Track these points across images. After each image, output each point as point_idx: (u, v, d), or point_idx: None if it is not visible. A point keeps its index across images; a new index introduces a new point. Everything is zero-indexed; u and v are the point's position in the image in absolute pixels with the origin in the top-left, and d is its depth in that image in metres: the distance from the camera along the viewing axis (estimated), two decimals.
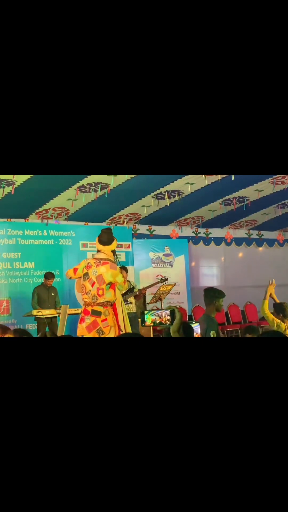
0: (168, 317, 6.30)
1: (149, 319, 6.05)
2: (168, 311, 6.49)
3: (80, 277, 5.09)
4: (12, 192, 7.07)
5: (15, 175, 6.60)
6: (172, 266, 10.16)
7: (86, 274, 4.96)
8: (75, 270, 5.08)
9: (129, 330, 5.22)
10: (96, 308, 4.94)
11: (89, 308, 4.91)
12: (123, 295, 7.77)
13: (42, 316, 7.57)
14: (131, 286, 7.99)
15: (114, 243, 5.29)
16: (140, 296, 8.26)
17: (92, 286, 4.91)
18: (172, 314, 5.27)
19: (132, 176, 7.10)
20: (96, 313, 4.92)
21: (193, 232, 10.51)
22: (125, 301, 7.75)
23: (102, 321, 4.92)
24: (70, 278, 5.23)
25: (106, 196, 7.70)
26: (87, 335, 4.84)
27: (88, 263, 5.04)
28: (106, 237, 5.19)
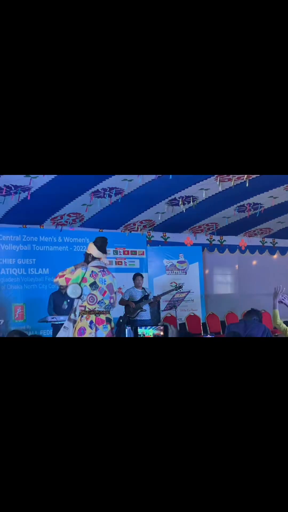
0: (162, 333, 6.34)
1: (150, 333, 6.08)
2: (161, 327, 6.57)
3: (66, 278, 4.92)
4: (28, 198, 7.11)
5: (31, 180, 6.64)
6: (186, 274, 10.14)
7: (94, 283, 4.83)
8: (68, 280, 4.87)
9: None
10: (109, 315, 4.92)
11: (103, 317, 4.85)
12: (137, 302, 7.78)
13: (57, 322, 7.57)
14: (146, 293, 7.97)
15: (107, 254, 5.21)
16: (155, 303, 8.23)
17: (104, 295, 4.86)
18: (166, 329, 5.30)
19: (147, 181, 7.11)
20: (109, 320, 4.91)
21: (207, 239, 10.49)
22: (140, 308, 7.74)
23: (112, 328, 4.94)
24: (60, 285, 5.06)
25: (119, 201, 7.71)
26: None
27: (92, 271, 4.88)
28: (101, 244, 5.06)
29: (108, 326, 4.81)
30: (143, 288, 7.99)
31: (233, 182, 7.49)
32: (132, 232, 9.47)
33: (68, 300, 8.06)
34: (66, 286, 4.90)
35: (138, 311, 7.77)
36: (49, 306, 7.94)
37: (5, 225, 8.31)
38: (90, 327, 4.74)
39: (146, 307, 7.87)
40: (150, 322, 7.94)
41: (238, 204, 8.89)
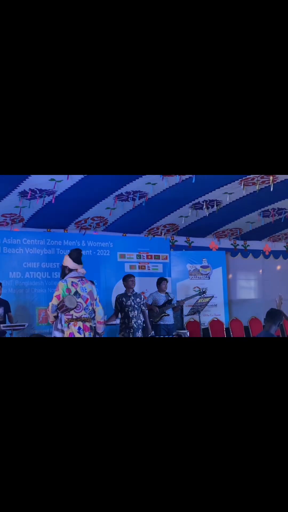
0: None
1: None
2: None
3: (58, 296, 5.14)
4: (53, 201, 7.15)
5: (56, 184, 6.68)
6: (209, 278, 10.08)
7: (77, 292, 5.09)
8: (58, 296, 5.12)
9: None
10: (92, 323, 5.20)
11: (88, 324, 5.11)
12: (160, 306, 7.76)
13: None
14: (169, 298, 7.94)
15: (82, 264, 5.42)
16: (178, 308, 8.20)
17: (86, 302, 5.10)
18: None
19: (171, 184, 7.09)
20: (92, 328, 5.18)
21: (231, 244, 10.43)
22: (163, 312, 7.71)
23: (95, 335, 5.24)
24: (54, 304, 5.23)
25: (143, 205, 7.71)
26: None
27: (72, 282, 5.14)
28: (77, 256, 5.34)
29: (92, 334, 5.10)
30: (166, 292, 7.96)
31: (257, 186, 7.43)
32: (156, 236, 9.46)
33: None
34: (59, 303, 5.14)
35: (162, 315, 7.74)
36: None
37: (30, 229, 8.36)
38: (79, 332, 5.02)
39: (169, 311, 7.83)
40: (173, 327, 7.91)
41: (263, 209, 8.82)
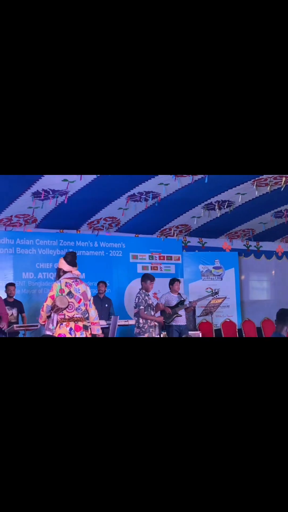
0: None
1: None
2: None
3: (52, 296, 5.21)
4: (65, 201, 7.17)
5: (69, 184, 6.70)
6: (221, 279, 10.06)
7: (70, 292, 5.16)
8: (52, 296, 5.18)
9: None
10: (86, 323, 5.23)
11: (81, 324, 5.15)
12: (172, 307, 7.74)
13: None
14: (182, 299, 7.92)
15: (77, 267, 5.47)
16: (191, 308, 8.17)
17: (79, 302, 5.16)
18: None
19: (184, 184, 7.09)
20: (86, 328, 5.21)
21: (244, 245, 10.40)
22: (175, 313, 7.69)
23: (90, 334, 5.25)
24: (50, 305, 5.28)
25: (156, 205, 7.71)
26: None
27: (66, 282, 5.21)
28: (71, 259, 5.39)
29: (85, 333, 5.11)
30: (179, 293, 7.94)
31: (269, 187, 7.41)
32: (168, 237, 9.46)
33: (106, 305, 8.10)
34: (53, 303, 5.20)
35: (174, 316, 7.72)
36: None
37: (43, 229, 8.40)
38: (70, 333, 5.06)
39: (182, 312, 7.81)
40: (185, 328, 7.89)
41: (275, 210, 8.78)
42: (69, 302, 5.14)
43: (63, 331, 5.08)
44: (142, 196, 7.46)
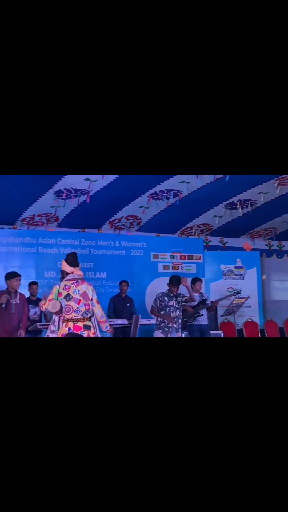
0: None
1: None
2: None
3: (50, 299, 5.29)
4: (87, 200, 7.20)
5: (91, 183, 6.73)
6: (243, 279, 9.99)
7: (68, 295, 5.19)
8: (50, 300, 5.27)
9: None
10: (87, 323, 5.21)
11: (81, 324, 5.17)
12: (194, 306, 7.71)
13: (115, 326, 7.61)
14: (204, 298, 7.88)
15: (79, 267, 5.51)
16: (212, 308, 8.14)
17: (79, 303, 5.18)
18: None
19: (206, 183, 7.07)
20: (88, 327, 5.20)
21: (266, 244, 10.32)
22: (197, 313, 7.66)
23: (93, 334, 5.24)
24: (48, 309, 5.36)
25: (177, 203, 7.69)
26: None
27: (65, 285, 5.25)
28: (73, 259, 5.40)
29: (85, 332, 5.14)
30: (200, 293, 7.92)
31: None
32: (189, 236, 9.44)
33: (128, 304, 8.11)
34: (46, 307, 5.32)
35: (196, 315, 7.69)
36: (108, 309, 8.02)
37: (64, 229, 8.45)
38: (69, 333, 5.13)
39: (203, 312, 7.78)
40: (207, 327, 7.85)
41: None
42: (65, 305, 5.19)
43: (64, 331, 5.19)
44: (163, 194, 7.45)
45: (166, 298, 6.87)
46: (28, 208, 7.56)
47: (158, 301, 6.91)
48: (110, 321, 7.64)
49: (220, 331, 8.69)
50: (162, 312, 6.86)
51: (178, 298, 6.89)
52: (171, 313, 6.78)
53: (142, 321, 7.32)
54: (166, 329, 6.74)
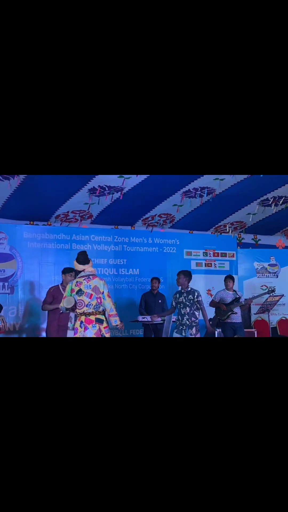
0: None
1: None
2: None
3: (65, 297, 5.48)
4: (121, 197, 7.23)
5: (124, 181, 6.75)
6: (277, 277, 9.89)
7: (80, 290, 5.36)
8: (65, 297, 5.49)
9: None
10: (99, 316, 5.33)
11: (93, 317, 5.31)
12: (227, 304, 7.68)
13: (147, 323, 7.64)
14: (237, 296, 7.83)
15: (91, 263, 5.64)
16: (246, 306, 8.08)
17: (91, 298, 5.34)
18: None
19: (239, 180, 7.02)
20: (100, 321, 5.33)
21: None
22: (230, 310, 7.62)
23: (105, 327, 5.35)
24: (65, 307, 5.49)
25: (211, 201, 7.66)
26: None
27: (77, 281, 5.44)
28: (83, 258, 5.58)
29: (97, 325, 5.28)
30: (234, 290, 7.87)
31: None
32: (223, 234, 9.39)
33: (160, 301, 8.12)
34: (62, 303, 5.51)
35: (229, 313, 7.65)
36: (140, 306, 8.05)
37: (98, 225, 8.51)
38: (81, 326, 5.30)
39: (237, 309, 7.73)
40: (241, 325, 7.80)
41: None
42: (78, 300, 5.35)
43: (76, 324, 5.37)
44: (197, 192, 7.43)
45: (177, 294, 6.78)
46: (62, 205, 7.64)
47: (173, 299, 6.82)
48: (143, 318, 7.69)
49: (254, 329, 8.63)
50: (176, 310, 6.80)
51: (190, 296, 6.72)
52: (181, 309, 6.64)
53: (174, 318, 7.31)
54: (181, 328, 6.64)
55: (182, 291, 6.67)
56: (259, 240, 9.88)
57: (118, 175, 6.60)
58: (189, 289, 6.66)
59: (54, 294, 6.73)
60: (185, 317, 6.56)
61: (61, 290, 6.59)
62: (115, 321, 5.49)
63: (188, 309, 6.55)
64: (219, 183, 7.10)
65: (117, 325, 5.51)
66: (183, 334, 6.54)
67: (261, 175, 6.68)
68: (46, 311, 6.93)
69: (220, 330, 7.65)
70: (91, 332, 5.24)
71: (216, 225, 9.16)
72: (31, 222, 8.24)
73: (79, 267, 5.58)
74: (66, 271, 6.78)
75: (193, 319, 6.53)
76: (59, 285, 6.84)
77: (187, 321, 6.55)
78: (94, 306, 5.32)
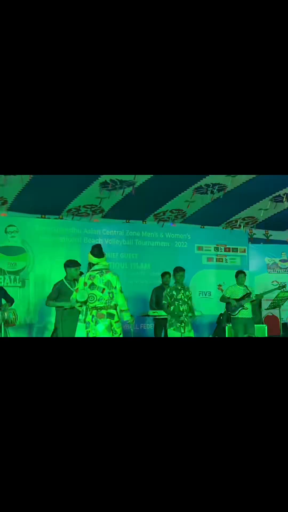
0: None
1: None
2: None
3: (77, 289, 5.45)
4: (133, 192, 7.23)
5: (136, 176, 6.76)
6: None
7: (92, 284, 5.31)
8: (77, 290, 5.46)
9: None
10: (111, 311, 5.28)
11: (104, 312, 5.28)
12: (238, 299, 7.66)
13: (158, 317, 7.66)
14: (248, 291, 7.82)
15: (105, 257, 5.60)
16: (257, 301, 8.07)
17: (103, 292, 5.30)
18: None
19: (251, 177, 6.99)
20: (111, 316, 5.28)
21: None
22: (241, 305, 7.61)
23: (116, 322, 5.30)
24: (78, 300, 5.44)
25: (221, 197, 7.64)
26: (106, 335, 5.25)
27: (90, 275, 5.39)
28: (98, 251, 5.55)
29: (108, 320, 5.24)
30: (245, 285, 7.85)
31: None
32: (234, 229, 9.37)
33: None
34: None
35: (240, 309, 7.64)
36: (151, 301, 8.05)
37: (110, 219, 8.51)
38: (92, 320, 5.28)
39: (247, 305, 7.72)
40: (251, 321, 7.79)
41: None
42: (90, 294, 5.32)
43: (88, 319, 5.34)
44: (208, 189, 7.42)
45: (174, 292, 6.80)
46: (73, 199, 7.66)
47: (167, 297, 6.86)
48: (154, 312, 7.72)
49: (264, 325, 8.61)
50: (171, 308, 6.81)
51: (187, 293, 6.75)
52: (179, 306, 6.68)
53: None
54: (178, 325, 6.66)
55: (179, 288, 6.74)
56: (271, 235, 9.85)
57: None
58: (184, 286, 6.78)
59: (61, 289, 6.31)
60: (183, 314, 6.62)
61: (66, 284, 6.31)
62: (127, 316, 5.52)
63: (185, 306, 6.64)
64: (230, 179, 7.08)
65: (128, 321, 5.56)
66: (182, 331, 6.59)
67: None
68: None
69: (230, 324, 7.65)
70: (101, 326, 5.25)
71: (228, 220, 9.14)
72: (43, 216, 8.27)
73: (93, 260, 5.57)
74: (71, 264, 6.43)
75: (190, 315, 6.63)
76: (63, 280, 6.40)
77: (185, 318, 6.61)
78: (106, 300, 5.31)
